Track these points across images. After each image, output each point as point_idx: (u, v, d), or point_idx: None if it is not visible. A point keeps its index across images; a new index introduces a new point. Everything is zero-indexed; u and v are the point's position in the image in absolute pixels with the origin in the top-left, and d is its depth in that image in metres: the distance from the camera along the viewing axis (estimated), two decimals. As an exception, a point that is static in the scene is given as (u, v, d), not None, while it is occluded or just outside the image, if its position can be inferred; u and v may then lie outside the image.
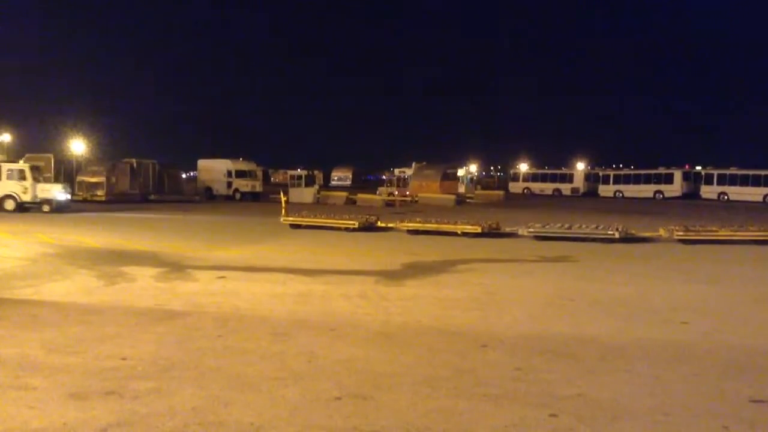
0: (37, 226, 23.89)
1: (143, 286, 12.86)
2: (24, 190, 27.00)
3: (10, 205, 26.87)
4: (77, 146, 48.33)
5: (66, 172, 40.61)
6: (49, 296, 11.72)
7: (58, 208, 27.38)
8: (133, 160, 42.92)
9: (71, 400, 6.47)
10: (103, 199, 38.76)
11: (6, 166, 28.69)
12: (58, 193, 28.02)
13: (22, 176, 27.66)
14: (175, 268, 15.07)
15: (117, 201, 38.73)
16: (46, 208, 26.74)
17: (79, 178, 40.01)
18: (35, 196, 27.36)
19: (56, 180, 38.69)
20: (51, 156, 40.51)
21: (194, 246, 19.48)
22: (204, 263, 15.89)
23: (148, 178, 43.25)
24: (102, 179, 39.62)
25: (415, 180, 45.49)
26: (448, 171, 44.99)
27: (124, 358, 7.83)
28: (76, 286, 12.74)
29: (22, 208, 26.81)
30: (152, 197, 41.75)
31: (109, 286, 12.79)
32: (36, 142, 50.93)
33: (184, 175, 53.59)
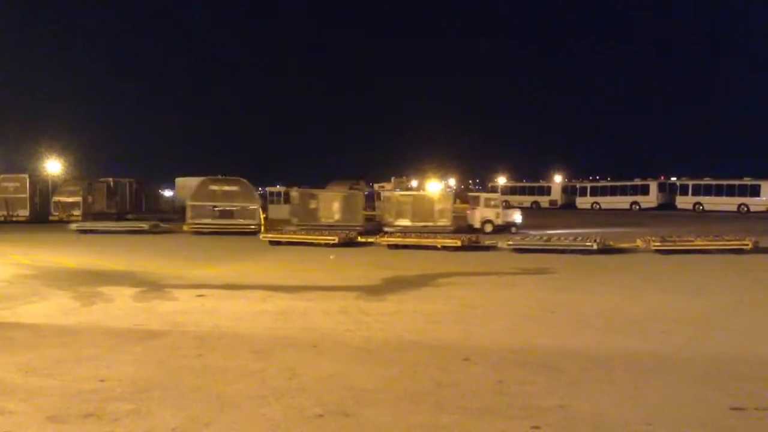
0: (13, 248, 23.58)
1: (121, 306, 12.72)
2: (497, 215, 30.71)
3: (488, 228, 30.19)
4: (53, 165, 47.82)
5: (42, 192, 40.09)
6: (25, 318, 11.54)
7: (521, 229, 30.70)
8: (110, 179, 42.48)
9: (49, 424, 6.36)
10: (80, 219, 38.28)
11: (485, 195, 32.64)
12: (518, 216, 31.47)
13: (495, 204, 31.48)
14: (154, 287, 14.93)
15: (94, 221, 38.28)
16: (513, 229, 30.16)
17: (55, 198, 39.45)
18: (504, 221, 30.75)
19: (31, 200, 38.52)
20: (26, 176, 39.95)
21: (173, 265, 19.31)
22: (183, 282, 15.76)
23: (126, 197, 42.83)
24: (78, 199, 39.10)
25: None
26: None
27: (102, 380, 7.72)
28: (53, 308, 12.56)
29: (495, 230, 29.94)
30: (130, 216, 41.33)
31: (87, 307, 12.63)
32: (9, 162, 50.12)
33: (170, 193, 52.84)
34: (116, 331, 10.47)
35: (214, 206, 29.82)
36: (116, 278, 16.29)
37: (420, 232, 26.37)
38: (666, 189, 54.78)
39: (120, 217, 40.70)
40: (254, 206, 30.11)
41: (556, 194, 59.65)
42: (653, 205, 52.55)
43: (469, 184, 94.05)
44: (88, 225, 32.02)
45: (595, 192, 57.46)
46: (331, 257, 20.61)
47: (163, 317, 11.61)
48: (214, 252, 23.40)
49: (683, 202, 50.78)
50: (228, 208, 29.62)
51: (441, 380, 7.78)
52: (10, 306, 12.61)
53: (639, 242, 22.85)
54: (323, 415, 6.57)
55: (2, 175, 40.44)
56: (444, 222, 29.19)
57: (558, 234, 26.94)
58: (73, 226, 31.03)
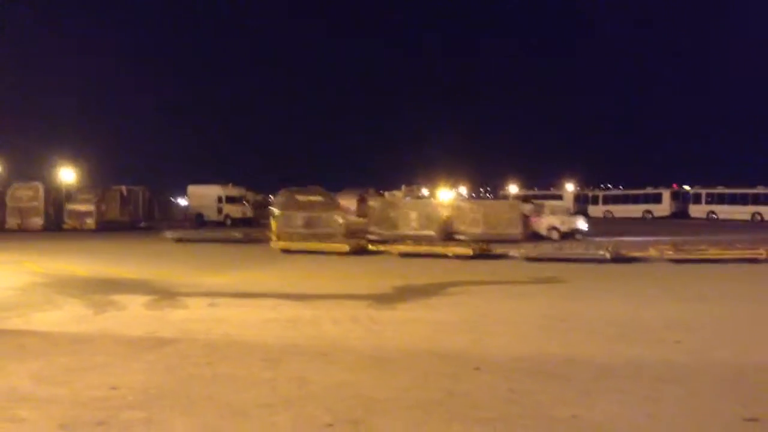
0: (26, 256, 23.75)
1: (133, 314, 12.76)
2: (562, 222, 31.43)
3: (555, 234, 31.06)
4: (66, 174, 48.18)
5: (55, 201, 40.38)
6: (38, 326, 11.60)
7: (586, 235, 31.53)
8: (123, 187, 42.71)
9: (61, 431, 6.38)
10: (94, 227, 38.56)
11: (551, 203, 33.74)
12: (582, 224, 32.27)
13: (561, 211, 32.37)
14: (165, 295, 14.98)
15: (107, 229, 38.60)
16: (578, 236, 30.97)
17: (69, 206, 39.75)
18: (569, 228, 31.56)
19: (44, 209, 38.89)
20: (40, 185, 40.29)
21: (184, 272, 19.37)
22: (194, 290, 15.80)
23: (138, 205, 43.05)
24: (91, 207, 39.38)
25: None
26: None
27: (114, 388, 7.74)
28: (66, 316, 12.63)
29: (561, 237, 30.82)
30: (142, 224, 41.57)
31: (99, 315, 12.69)
32: (23, 170, 50.58)
33: (184, 202, 53.01)
34: (128, 339, 10.50)
35: (302, 215, 30.74)
36: (128, 286, 16.36)
37: (490, 240, 26.98)
38: (679, 197, 54.48)
39: (133, 225, 40.95)
40: (338, 214, 31.10)
41: (568, 202, 59.41)
42: (666, 213, 52.29)
43: (480, 192, 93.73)
44: (184, 234, 32.70)
45: (607, 200, 57.27)
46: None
47: (175, 325, 11.64)
48: (225, 260, 23.48)
49: (696, 210, 50.48)
50: (315, 217, 30.58)
51: (452, 389, 7.74)
52: (23, 314, 12.69)
53: (652, 251, 22.70)
54: (333, 424, 6.55)
55: (16, 184, 40.80)
56: (513, 230, 29.82)
57: (570, 243, 26.86)
58: (169, 235, 31.73)
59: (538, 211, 32.66)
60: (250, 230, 34.84)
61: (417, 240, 26.79)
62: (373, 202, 33.24)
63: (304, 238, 27.25)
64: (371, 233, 29.92)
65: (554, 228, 31.25)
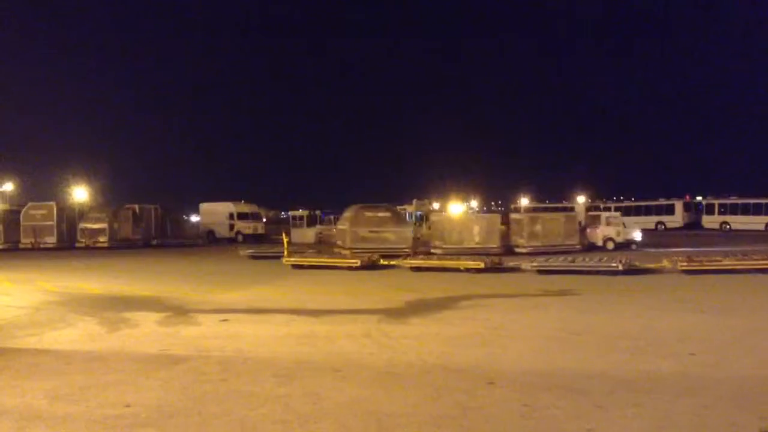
0: (39, 274, 23.90)
1: (146, 332, 12.80)
2: (618, 233, 32.60)
3: (610, 245, 32.13)
4: (79, 193, 48.56)
5: (68, 220, 40.68)
6: (51, 344, 11.66)
7: (640, 246, 32.51)
8: (136, 206, 43.02)
9: (75, 450, 6.40)
10: (106, 245, 38.83)
11: (606, 214, 34.85)
12: (637, 234, 33.41)
13: (617, 222, 33.68)
14: (178, 312, 15.02)
15: (120, 247, 38.83)
16: (633, 246, 32.19)
17: (82, 224, 40.06)
18: (624, 238, 32.68)
19: (58, 227, 39.19)
20: (53, 204, 40.64)
21: (197, 289, 19.42)
22: (207, 306, 15.83)
23: (151, 223, 43.32)
24: (104, 225, 39.69)
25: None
26: None
27: (127, 406, 7.76)
28: (79, 334, 12.68)
29: (617, 247, 31.92)
30: (154, 242, 41.80)
31: (112, 333, 12.73)
32: (37, 190, 51.16)
33: (195, 218, 53.16)
34: (141, 357, 10.53)
35: (371, 231, 31.08)
36: (141, 304, 16.42)
37: (549, 252, 27.39)
38: (692, 208, 54.17)
39: (146, 243, 41.19)
40: (406, 230, 31.66)
41: (580, 215, 59.13)
42: (679, 224, 51.99)
43: (491, 205, 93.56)
44: (253, 249, 33.30)
45: (618, 212, 56.92)
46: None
47: (188, 342, 11.67)
48: (237, 276, 23.52)
49: (710, 221, 50.17)
50: (383, 232, 31.08)
51: (466, 404, 7.71)
52: (36, 332, 12.75)
53: (665, 262, 22.53)
54: (347, 440, 6.53)
55: (30, 203, 41.19)
56: (572, 242, 30.65)
57: (582, 255, 26.74)
58: (244, 252, 32.40)
59: (595, 223, 33.36)
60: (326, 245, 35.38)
61: (479, 253, 27.01)
62: (436, 217, 33.96)
63: (372, 252, 27.40)
64: (435, 247, 30.27)
65: (610, 239, 31.98)
